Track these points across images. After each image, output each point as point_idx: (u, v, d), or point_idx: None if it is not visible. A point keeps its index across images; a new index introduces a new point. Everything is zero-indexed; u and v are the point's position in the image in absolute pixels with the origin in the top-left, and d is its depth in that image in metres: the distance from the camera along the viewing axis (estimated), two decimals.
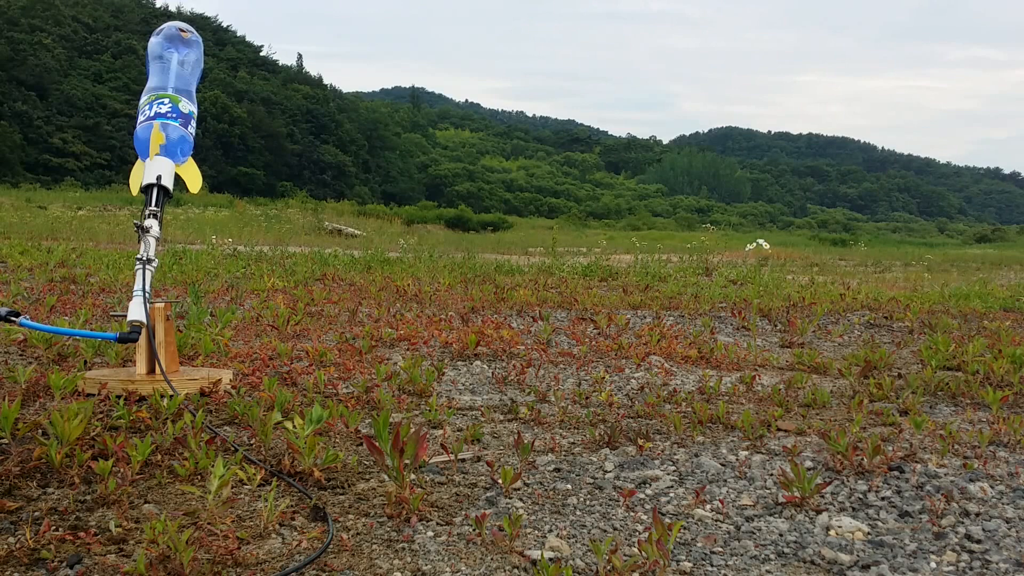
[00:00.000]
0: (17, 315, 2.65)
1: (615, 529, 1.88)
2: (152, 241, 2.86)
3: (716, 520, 1.95)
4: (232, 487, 1.96)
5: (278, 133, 60.06)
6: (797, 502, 2.04)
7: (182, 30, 3.19)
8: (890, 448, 2.50)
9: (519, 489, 2.11)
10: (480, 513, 1.79)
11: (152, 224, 2.88)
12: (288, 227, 19.51)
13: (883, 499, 2.10)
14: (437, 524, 1.85)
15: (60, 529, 1.72)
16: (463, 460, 2.34)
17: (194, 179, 3.03)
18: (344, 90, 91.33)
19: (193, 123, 3.10)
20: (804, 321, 5.32)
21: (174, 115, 3.02)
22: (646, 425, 2.76)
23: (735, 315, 5.89)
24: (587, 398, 3.14)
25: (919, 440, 2.65)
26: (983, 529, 1.90)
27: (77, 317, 4.10)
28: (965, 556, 1.77)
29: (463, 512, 1.93)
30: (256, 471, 2.01)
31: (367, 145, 71.68)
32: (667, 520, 1.92)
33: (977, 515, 2.00)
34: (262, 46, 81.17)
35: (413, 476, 2.13)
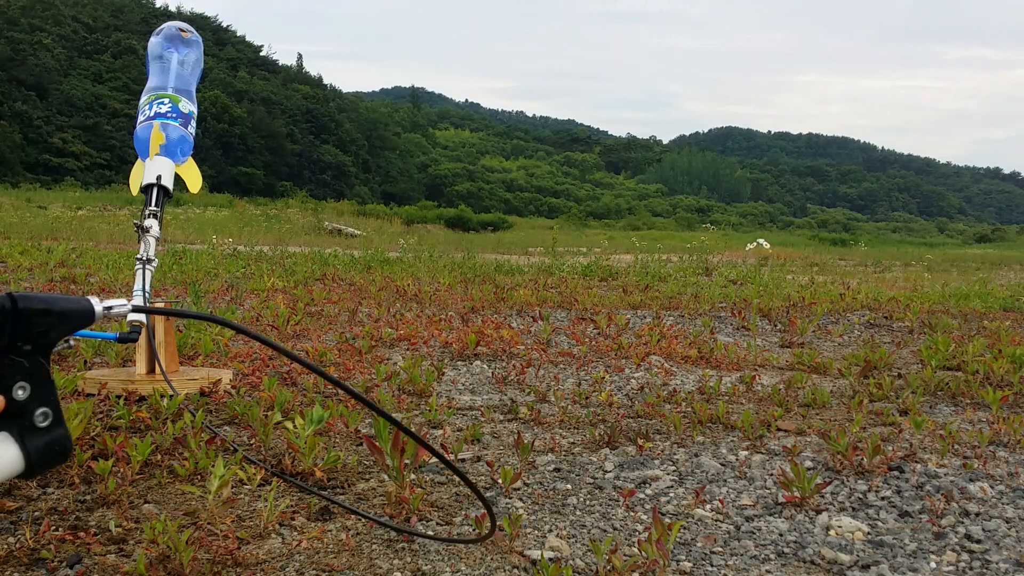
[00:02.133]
0: None
1: (615, 529, 1.88)
2: (152, 241, 2.86)
3: (716, 520, 1.95)
4: (232, 487, 1.96)
5: (278, 133, 60.06)
6: (797, 502, 2.04)
7: (182, 30, 3.19)
8: (890, 448, 2.50)
9: (519, 489, 2.11)
10: (480, 513, 1.79)
11: (152, 224, 2.88)
12: (288, 227, 19.51)
13: (883, 499, 2.10)
14: (437, 524, 1.85)
15: (60, 529, 1.72)
16: (463, 460, 2.34)
17: (194, 179, 3.03)
18: (344, 90, 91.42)
19: (193, 123, 3.10)
20: (804, 321, 5.32)
21: (174, 115, 3.02)
22: (646, 425, 2.76)
23: (735, 315, 5.89)
24: (587, 398, 3.14)
25: (919, 440, 2.65)
26: (983, 529, 1.90)
27: None
28: (965, 556, 1.77)
29: (463, 512, 1.93)
30: (256, 471, 2.01)
31: (367, 145, 71.70)
32: (667, 520, 1.92)
33: (977, 515, 2.00)
34: (262, 46, 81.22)
35: (413, 476, 2.13)
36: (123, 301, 0.65)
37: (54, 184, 36.58)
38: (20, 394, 0.58)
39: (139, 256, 2.85)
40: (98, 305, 0.62)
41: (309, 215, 24.98)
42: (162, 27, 3.21)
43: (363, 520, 1.85)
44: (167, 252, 9.14)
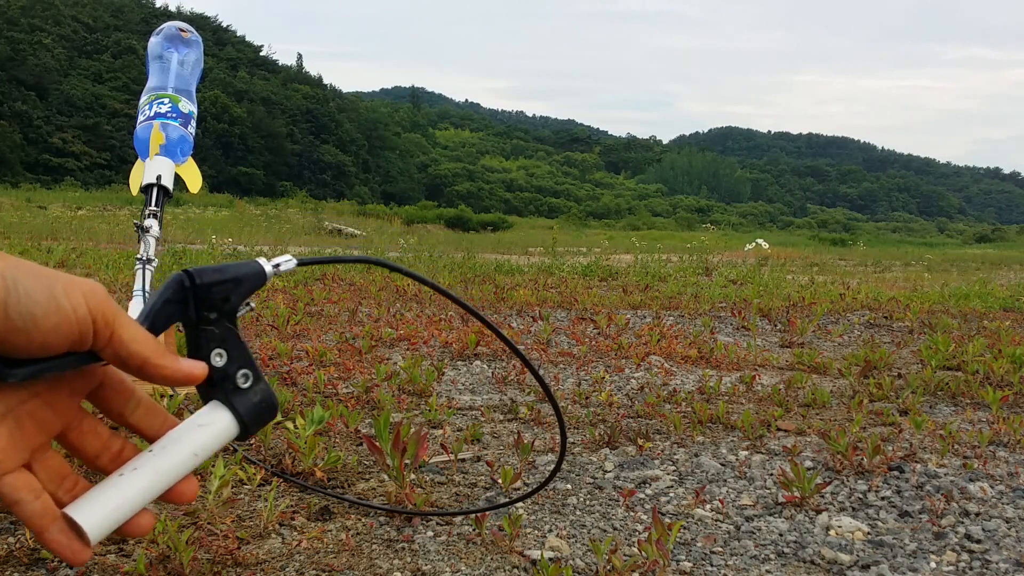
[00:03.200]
0: None
1: (615, 529, 1.88)
2: (152, 241, 2.86)
3: (716, 520, 1.95)
4: (232, 487, 1.96)
5: (278, 133, 60.10)
6: (797, 502, 2.04)
7: (182, 30, 3.19)
8: (890, 448, 2.50)
9: (519, 489, 2.11)
10: (480, 513, 1.79)
11: (152, 224, 2.88)
12: (288, 227, 19.53)
13: (883, 499, 2.10)
14: (437, 524, 1.85)
15: None
16: (463, 460, 2.34)
17: (194, 179, 3.03)
18: (344, 90, 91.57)
19: (193, 123, 3.10)
20: (804, 321, 5.32)
21: (174, 115, 3.02)
22: (646, 425, 2.76)
23: (735, 315, 5.89)
24: (587, 398, 3.14)
25: (919, 440, 2.65)
26: (983, 529, 1.90)
27: None
28: (965, 556, 1.77)
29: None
30: (256, 471, 2.01)
31: (367, 145, 71.75)
32: (667, 520, 1.92)
33: (977, 515, 2.00)
34: (262, 46, 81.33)
35: (413, 476, 2.13)
36: (288, 257, 0.66)
37: (54, 184, 36.59)
38: (218, 360, 0.61)
39: (139, 256, 2.85)
40: (267, 265, 0.64)
41: (309, 215, 25.00)
42: (162, 27, 3.21)
43: (363, 520, 1.85)
44: (167, 252, 9.14)
